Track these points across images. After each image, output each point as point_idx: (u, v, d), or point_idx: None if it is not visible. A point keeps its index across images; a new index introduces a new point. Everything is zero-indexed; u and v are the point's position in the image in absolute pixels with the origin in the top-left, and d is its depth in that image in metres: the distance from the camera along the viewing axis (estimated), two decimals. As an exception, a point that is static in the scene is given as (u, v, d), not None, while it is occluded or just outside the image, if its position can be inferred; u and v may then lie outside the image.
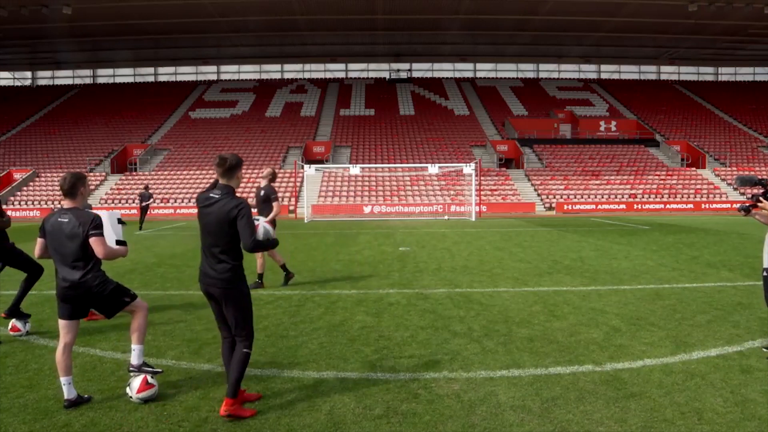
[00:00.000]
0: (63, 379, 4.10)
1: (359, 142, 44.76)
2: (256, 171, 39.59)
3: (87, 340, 5.81)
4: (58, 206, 4.22)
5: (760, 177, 5.10)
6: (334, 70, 60.25)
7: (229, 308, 3.98)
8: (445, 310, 7.05)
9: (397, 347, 5.47)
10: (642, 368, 4.77)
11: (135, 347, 4.43)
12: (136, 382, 4.16)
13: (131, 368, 4.38)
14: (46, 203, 36.01)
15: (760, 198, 5.03)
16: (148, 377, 4.23)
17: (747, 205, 5.19)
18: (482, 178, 36.62)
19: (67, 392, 4.08)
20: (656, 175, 39.46)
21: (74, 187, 4.19)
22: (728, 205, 35.65)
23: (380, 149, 43.18)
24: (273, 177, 8.88)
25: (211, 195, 3.99)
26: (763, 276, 5.21)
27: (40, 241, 4.32)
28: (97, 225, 4.15)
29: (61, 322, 4.23)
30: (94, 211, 4.40)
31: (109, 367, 4.97)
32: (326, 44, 51.46)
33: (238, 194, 4.09)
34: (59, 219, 4.15)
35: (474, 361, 5.02)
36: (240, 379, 3.96)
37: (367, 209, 34.20)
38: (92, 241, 4.09)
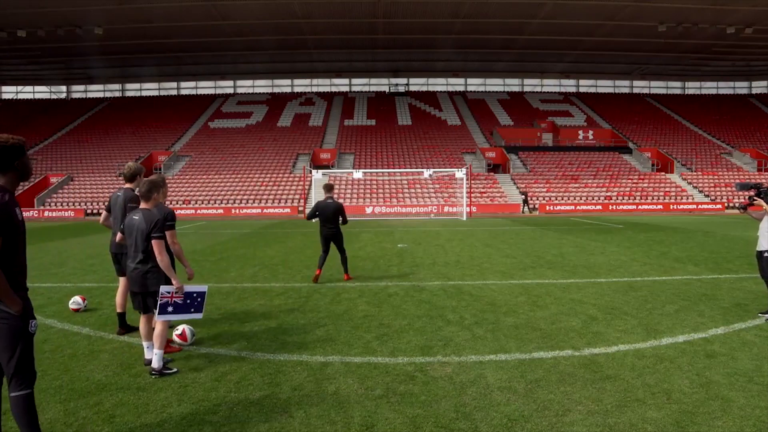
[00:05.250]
0: (144, 343, 4.59)
1: (362, 149, 44.72)
2: (267, 175, 39.59)
3: (116, 329, 5.80)
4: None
5: (755, 182, 5.53)
6: (339, 84, 60.23)
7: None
8: (439, 301, 7.04)
9: (395, 334, 5.47)
10: (616, 353, 4.77)
11: (156, 351, 4.34)
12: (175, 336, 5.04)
13: (153, 372, 4.30)
14: (79, 205, 36.00)
15: (754, 197, 5.78)
16: (188, 326, 5.14)
17: (744, 204, 5.94)
18: (472, 181, 36.61)
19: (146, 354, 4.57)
20: (629, 179, 39.43)
21: (149, 192, 4.49)
22: (694, 206, 35.65)
23: (381, 156, 43.15)
24: (134, 177, 5.49)
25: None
26: (765, 257, 5.78)
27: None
28: (160, 227, 4.39)
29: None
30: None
31: (138, 351, 4.96)
32: (332, 61, 51.51)
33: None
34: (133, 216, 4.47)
35: (465, 346, 5.02)
36: None
37: (368, 210, 34.18)
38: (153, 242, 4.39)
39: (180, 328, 5.09)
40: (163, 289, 4.38)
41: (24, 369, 2.78)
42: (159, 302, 4.37)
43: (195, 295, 4.58)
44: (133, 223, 4.45)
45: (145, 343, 4.56)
